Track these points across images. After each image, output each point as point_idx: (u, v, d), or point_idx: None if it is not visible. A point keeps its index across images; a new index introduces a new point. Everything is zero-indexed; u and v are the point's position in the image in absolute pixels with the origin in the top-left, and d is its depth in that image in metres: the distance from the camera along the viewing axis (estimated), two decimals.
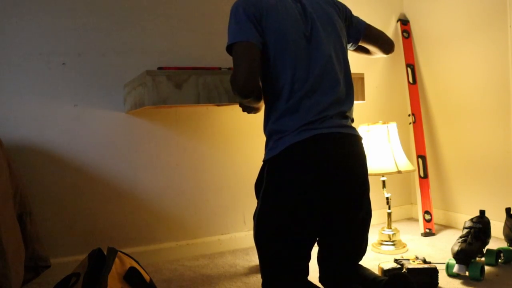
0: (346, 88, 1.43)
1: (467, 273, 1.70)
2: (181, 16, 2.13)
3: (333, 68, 1.39)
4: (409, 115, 2.53)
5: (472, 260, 1.72)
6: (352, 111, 1.47)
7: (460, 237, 1.79)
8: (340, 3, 1.57)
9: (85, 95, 1.96)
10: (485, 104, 2.24)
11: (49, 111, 1.90)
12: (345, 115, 1.41)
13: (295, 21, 1.39)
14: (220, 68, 1.85)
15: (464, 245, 1.73)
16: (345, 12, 1.58)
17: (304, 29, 1.39)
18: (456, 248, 1.73)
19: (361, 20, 1.64)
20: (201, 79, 1.64)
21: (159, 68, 1.80)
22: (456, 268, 1.69)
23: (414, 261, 1.73)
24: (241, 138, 2.26)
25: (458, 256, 1.71)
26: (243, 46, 1.31)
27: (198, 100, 1.64)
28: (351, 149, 1.37)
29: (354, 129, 1.41)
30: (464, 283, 1.67)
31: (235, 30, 1.33)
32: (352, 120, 1.46)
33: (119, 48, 2.02)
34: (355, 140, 1.39)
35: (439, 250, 2.05)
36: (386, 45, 1.70)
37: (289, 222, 1.31)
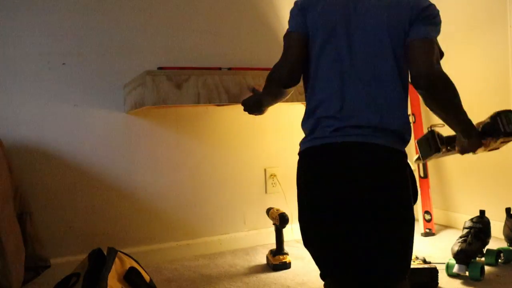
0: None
1: (467, 273, 1.70)
2: (181, 16, 2.13)
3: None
4: (409, 115, 2.52)
5: (472, 260, 1.72)
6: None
7: (460, 237, 1.79)
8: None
9: (85, 95, 1.96)
10: (485, 104, 2.24)
11: (49, 111, 1.90)
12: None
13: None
14: (220, 68, 1.85)
15: (464, 245, 1.73)
16: (414, 11, 1.14)
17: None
18: (456, 248, 1.73)
19: (423, 30, 1.16)
20: (201, 79, 1.64)
21: (159, 68, 1.80)
22: (456, 268, 1.69)
23: (414, 261, 1.72)
24: (241, 138, 2.26)
25: (458, 256, 1.71)
26: (289, 37, 1.23)
27: (198, 100, 1.64)
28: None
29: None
30: (464, 283, 1.67)
31: (289, 20, 1.25)
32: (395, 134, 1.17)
33: (119, 48, 2.02)
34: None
35: (439, 250, 2.05)
36: (417, 76, 1.16)
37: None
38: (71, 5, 1.93)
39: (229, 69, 1.83)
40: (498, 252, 1.86)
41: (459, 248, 1.72)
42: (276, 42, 2.19)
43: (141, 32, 2.05)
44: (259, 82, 1.70)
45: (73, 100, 1.94)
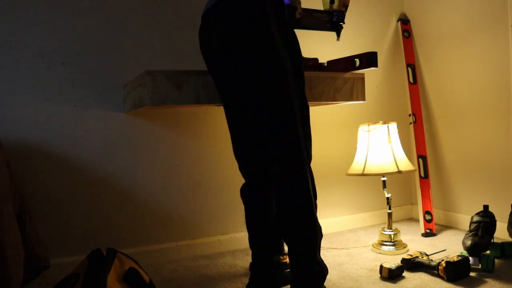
0: None
1: (479, 266, 1.75)
2: (181, 15, 2.13)
3: None
4: (409, 115, 2.52)
5: (483, 253, 1.78)
6: None
7: (470, 231, 1.85)
8: None
9: (85, 95, 1.95)
10: (485, 104, 2.24)
11: (49, 111, 1.89)
12: None
13: None
14: None
15: (476, 238, 1.79)
16: None
17: None
18: (469, 242, 1.79)
19: None
20: (201, 79, 1.63)
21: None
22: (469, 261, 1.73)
23: (422, 257, 1.81)
24: None
25: (472, 249, 1.77)
26: None
27: (198, 101, 1.64)
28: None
29: None
30: (477, 275, 1.71)
31: None
32: None
33: (119, 48, 2.01)
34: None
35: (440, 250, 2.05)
36: None
37: None
38: (71, 5, 1.93)
39: None
40: (502, 245, 1.90)
41: (472, 241, 1.78)
42: None
43: (141, 32, 2.05)
44: None
45: (73, 100, 1.94)
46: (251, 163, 1.58)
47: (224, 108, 1.58)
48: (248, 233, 1.65)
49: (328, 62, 2.00)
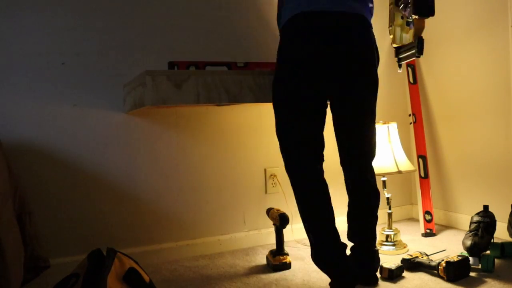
0: None
1: (479, 266, 1.75)
2: (181, 15, 2.13)
3: None
4: (409, 115, 2.52)
5: (483, 253, 1.78)
6: None
7: (470, 231, 1.86)
8: None
9: (85, 95, 1.95)
10: (485, 104, 2.24)
11: (49, 111, 1.89)
12: None
13: None
14: (236, 63, 1.84)
15: (476, 238, 1.80)
16: None
17: None
18: (469, 242, 1.80)
19: None
20: (201, 79, 1.63)
21: (170, 63, 1.79)
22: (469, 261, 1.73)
23: (422, 257, 1.81)
24: (241, 138, 2.25)
25: (472, 249, 1.77)
26: None
27: (198, 100, 1.63)
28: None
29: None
30: (477, 275, 1.71)
31: None
32: None
33: (119, 48, 2.01)
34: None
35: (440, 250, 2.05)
36: None
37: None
38: (71, 5, 1.93)
39: (246, 64, 1.83)
40: (502, 245, 1.90)
41: (472, 241, 1.79)
42: None
43: (141, 31, 2.05)
44: (260, 81, 1.70)
45: (73, 100, 1.94)
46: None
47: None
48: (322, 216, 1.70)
49: None
